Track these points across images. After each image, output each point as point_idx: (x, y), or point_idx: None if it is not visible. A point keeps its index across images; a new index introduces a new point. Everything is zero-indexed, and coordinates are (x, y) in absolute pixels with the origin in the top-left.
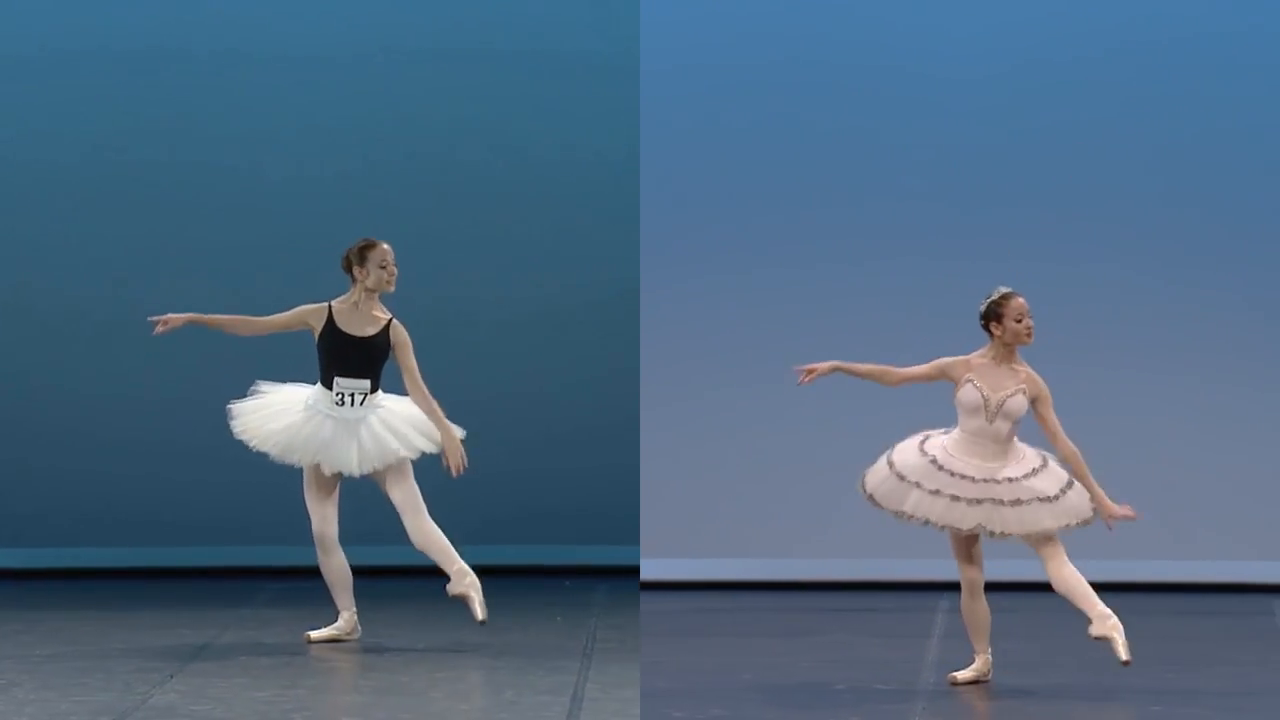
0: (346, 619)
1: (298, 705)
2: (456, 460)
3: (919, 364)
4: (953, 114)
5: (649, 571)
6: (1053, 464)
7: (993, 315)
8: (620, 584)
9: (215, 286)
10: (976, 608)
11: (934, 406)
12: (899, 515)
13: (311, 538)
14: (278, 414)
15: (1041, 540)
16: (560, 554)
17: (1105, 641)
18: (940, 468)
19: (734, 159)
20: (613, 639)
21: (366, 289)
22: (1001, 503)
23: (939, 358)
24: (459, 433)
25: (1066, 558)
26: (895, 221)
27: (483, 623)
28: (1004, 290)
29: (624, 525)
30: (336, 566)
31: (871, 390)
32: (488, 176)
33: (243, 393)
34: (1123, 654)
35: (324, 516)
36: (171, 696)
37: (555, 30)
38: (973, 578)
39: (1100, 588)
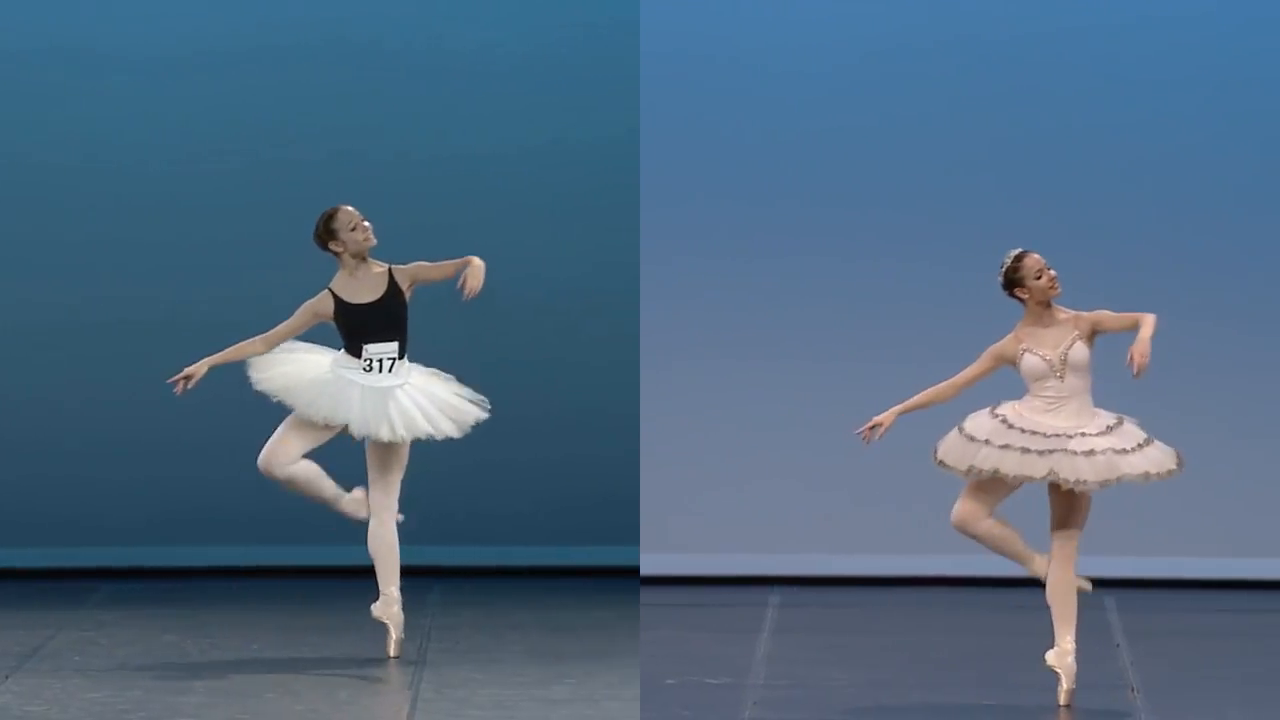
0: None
1: (133, 706)
2: (475, 281)
3: (964, 364)
4: (965, 106)
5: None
6: (1129, 423)
7: (1014, 282)
8: (454, 584)
9: (196, 289)
10: (986, 530)
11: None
12: (968, 471)
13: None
14: (305, 368)
15: (1064, 532)
16: (550, 555)
17: (1054, 673)
18: (1011, 426)
19: (736, 146)
20: (448, 640)
21: (352, 256)
22: (1074, 454)
23: (987, 349)
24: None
25: (1074, 565)
26: (898, 213)
27: (395, 658)
28: (1015, 252)
29: (622, 522)
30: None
31: (876, 387)
32: (484, 165)
33: (73, 383)
34: (1062, 699)
35: (288, 454)
36: (6, 698)
37: (553, 15)
38: (971, 514)
39: (936, 582)
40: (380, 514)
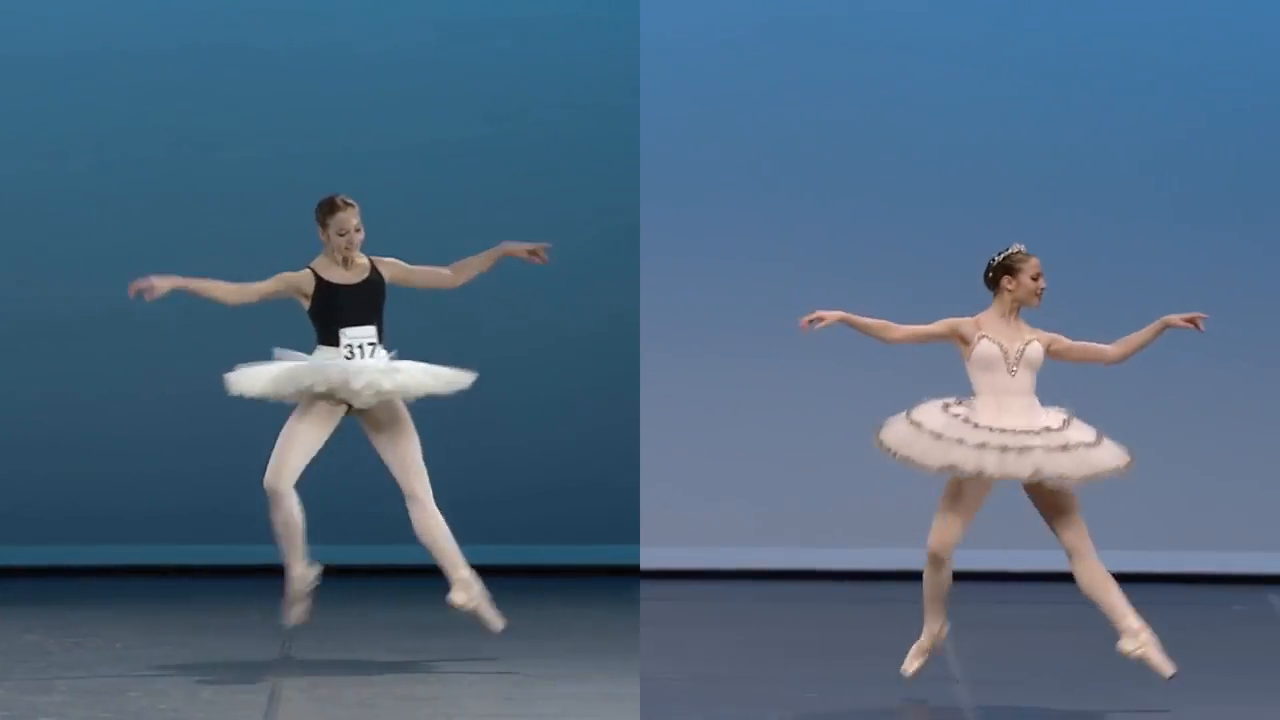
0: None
1: None
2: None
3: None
4: (968, 106)
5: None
6: (1076, 420)
7: (1007, 269)
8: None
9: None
10: (942, 577)
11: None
12: (946, 469)
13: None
14: (278, 364)
15: (1069, 525)
16: (545, 554)
17: (1141, 659)
18: (976, 425)
19: (738, 141)
20: (310, 639)
21: (330, 254)
22: (1051, 448)
23: (944, 319)
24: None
25: (1095, 554)
26: (898, 204)
27: (502, 630)
28: (1021, 246)
29: (622, 519)
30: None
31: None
32: (482, 150)
33: None
34: (1166, 670)
35: (290, 466)
36: None
37: (551, 6)
38: (953, 536)
39: (791, 575)
40: (420, 500)
